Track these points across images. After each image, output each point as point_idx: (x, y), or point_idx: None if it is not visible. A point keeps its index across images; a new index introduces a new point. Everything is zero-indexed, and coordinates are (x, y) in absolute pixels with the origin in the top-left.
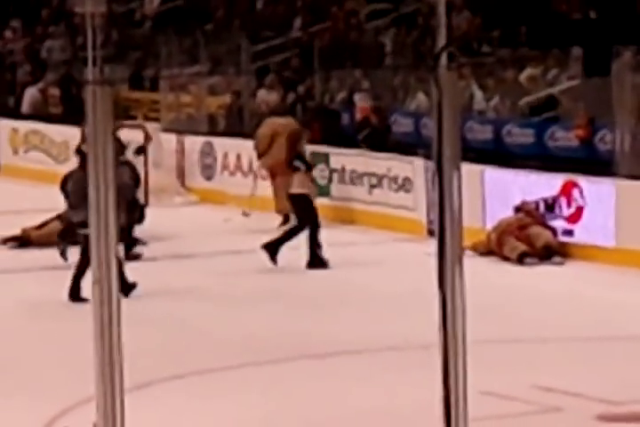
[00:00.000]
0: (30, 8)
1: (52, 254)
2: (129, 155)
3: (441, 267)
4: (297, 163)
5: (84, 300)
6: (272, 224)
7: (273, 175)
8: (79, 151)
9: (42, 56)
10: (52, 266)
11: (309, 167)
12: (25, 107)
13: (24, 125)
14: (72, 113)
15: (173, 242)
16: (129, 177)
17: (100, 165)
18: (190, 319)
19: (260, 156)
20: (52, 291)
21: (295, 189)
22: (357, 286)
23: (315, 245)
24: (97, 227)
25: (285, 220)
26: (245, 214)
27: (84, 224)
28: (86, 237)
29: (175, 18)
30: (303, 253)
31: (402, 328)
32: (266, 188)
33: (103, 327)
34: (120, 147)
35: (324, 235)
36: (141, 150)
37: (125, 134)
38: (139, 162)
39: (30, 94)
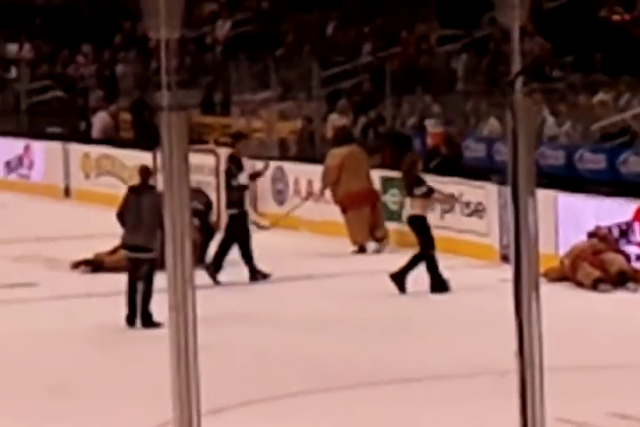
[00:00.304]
0: (101, 33)
1: (123, 279)
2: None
3: (517, 293)
4: (419, 189)
5: (156, 324)
6: (340, 249)
7: (344, 208)
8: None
9: (114, 81)
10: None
11: (430, 191)
12: (95, 131)
13: (96, 150)
14: (143, 138)
15: (241, 267)
16: (201, 202)
17: (175, 190)
18: (268, 344)
19: (327, 187)
20: (124, 316)
21: (415, 211)
22: (430, 312)
23: (435, 268)
24: (173, 253)
25: (360, 249)
26: (262, 227)
27: (138, 248)
28: (147, 261)
29: (246, 43)
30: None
31: (477, 354)
32: (334, 213)
33: (180, 353)
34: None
35: (396, 260)
36: (256, 176)
37: (197, 159)
38: (209, 186)
39: (100, 119)
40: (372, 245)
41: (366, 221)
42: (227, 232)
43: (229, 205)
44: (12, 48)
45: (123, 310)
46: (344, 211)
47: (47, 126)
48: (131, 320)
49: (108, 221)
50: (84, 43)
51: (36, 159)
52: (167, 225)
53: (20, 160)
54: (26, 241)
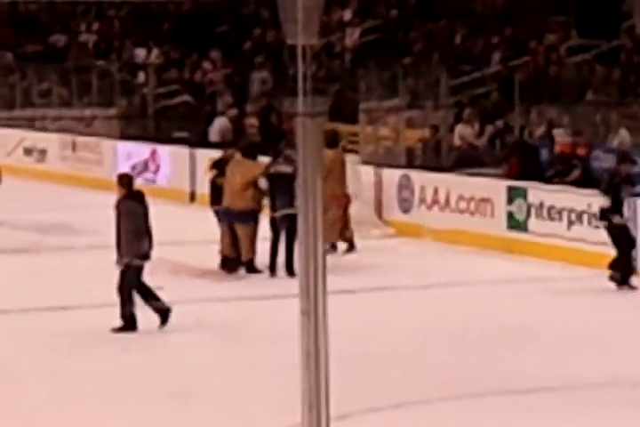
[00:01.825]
0: (231, 40)
1: (247, 285)
2: None
3: None
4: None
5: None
6: (463, 258)
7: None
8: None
9: (244, 87)
10: (246, 296)
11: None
12: (212, 135)
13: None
14: (270, 143)
15: (370, 274)
16: None
17: (310, 196)
18: (390, 351)
19: None
20: (248, 320)
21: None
22: (556, 321)
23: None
24: (305, 259)
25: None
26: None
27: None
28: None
29: (375, 50)
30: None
31: (605, 365)
32: (458, 221)
33: (310, 357)
34: None
35: (524, 269)
36: None
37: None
38: None
39: (219, 123)
40: (342, 246)
41: (338, 222)
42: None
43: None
44: (141, 53)
45: (247, 315)
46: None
47: (174, 131)
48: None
49: None
50: (212, 48)
51: (163, 164)
52: (301, 231)
53: (146, 164)
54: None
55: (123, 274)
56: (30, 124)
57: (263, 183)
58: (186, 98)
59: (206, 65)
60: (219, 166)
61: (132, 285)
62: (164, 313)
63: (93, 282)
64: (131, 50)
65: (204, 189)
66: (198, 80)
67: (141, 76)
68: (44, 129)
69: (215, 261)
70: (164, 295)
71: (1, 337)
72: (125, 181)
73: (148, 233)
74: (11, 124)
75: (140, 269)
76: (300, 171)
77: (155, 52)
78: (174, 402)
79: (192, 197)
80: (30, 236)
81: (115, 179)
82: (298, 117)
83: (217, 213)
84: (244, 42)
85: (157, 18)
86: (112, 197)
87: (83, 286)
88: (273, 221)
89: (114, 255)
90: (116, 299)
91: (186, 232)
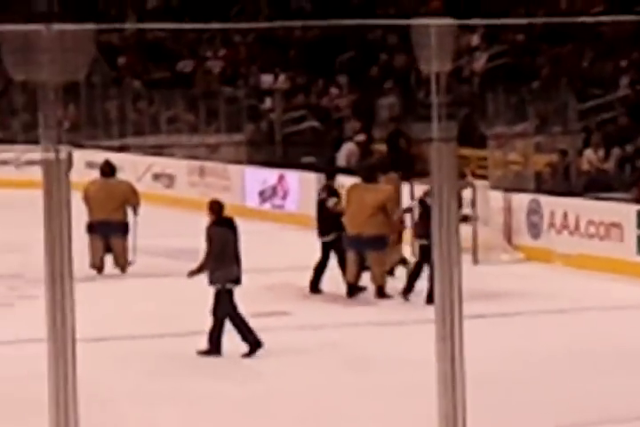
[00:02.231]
0: (358, 65)
1: (374, 312)
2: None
3: None
4: None
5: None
6: (593, 283)
7: None
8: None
9: (371, 112)
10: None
11: None
12: (340, 160)
13: (350, 180)
14: (399, 168)
15: (500, 299)
16: None
17: (445, 220)
18: (523, 376)
19: None
20: (380, 345)
21: None
22: None
23: None
24: (441, 285)
25: None
26: None
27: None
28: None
29: (502, 75)
30: None
31: None
32: (588, 246)
33: (446, 382)
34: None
35: None
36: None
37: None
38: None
39: (347, 148)
40: None
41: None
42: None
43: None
44: (267, 79)
45: (378, 340)
46: None
47: (301, 156)
48: None
49: None
50: (339, 74)
51: (291, 189)
52: (436, 256)
53: (274, 190)
54: (279, 270)
55: (217, 298)
56: (159, 150)
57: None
58: (313, 123)
59: (333, 90)
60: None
61: (225, 309)
62: (253, 346)
63: None
64: (257, 76)
65: None
66: (325, 105)
67: (268, 102)
68: (172, 155)
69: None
70: (293, 321)
71: (135, 360)
72: (216, 207)
73: (236, 258)
74: (140, 150)
75: (231, 294)
76: (436, 196)
77: (281, 77)
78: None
79: None
80: (159, 261)
81: (244, 204)
82: (433, 142)
83: (334, 243)
84: (371, 67)
85: (284, 44)
86: (240, 223)
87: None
88: None
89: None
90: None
91: (314, 257)
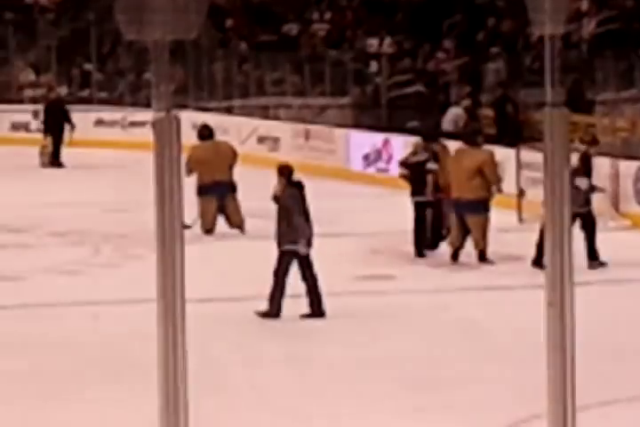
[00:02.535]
0: (465, 30)
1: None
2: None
3: None
4: None
5: None
6: None
7: None
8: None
9: (478, 78)
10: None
11: None
12: (446, 125)
13: (456, 145)
14: (506, 134)
15: (607, 267)
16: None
17: (557, 187)
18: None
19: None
20: (485, 310)
21: None
22: None
23: None
24: (553, 251)
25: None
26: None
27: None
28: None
29: (611, 41)
30: None
31: None
32: None
33: (556, 348)
34: None
35: None
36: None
37: None
38: None
39: (453, 113)
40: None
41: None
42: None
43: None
44: (373, 42)
45: (483, 305)
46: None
47: (407, 121)
48: None
49: None
50: (445, 38)
51: (395, 153)
52: (548, 223)
53: (378, 154)
54: (384, 234)
55: (280, 260)
56: (264, 112)
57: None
58: (419, 87)
59: (439, 55)
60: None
61: (284, 271)
62: (315, 312)
63: (329, 270)
64: (363, 39)
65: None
66: (431, 70)
67: (374, 66)
68: (277, 118)
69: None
70: (399, 285)
71: (242, 322)
72: (285, 171)
73: (308, 221)
74: (245, 112)
75: (298, 256)
76: (548, 162)
77: (387, 41)
78: (415, 390)
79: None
80: (265, 224)
81: (348, 167)
82: (545, 108)
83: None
84: (478, 32)
85: (390, 7)
86: (345, 186)
87: (320, 274)
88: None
89: (337, 244)
90: (353, 287)
91: None
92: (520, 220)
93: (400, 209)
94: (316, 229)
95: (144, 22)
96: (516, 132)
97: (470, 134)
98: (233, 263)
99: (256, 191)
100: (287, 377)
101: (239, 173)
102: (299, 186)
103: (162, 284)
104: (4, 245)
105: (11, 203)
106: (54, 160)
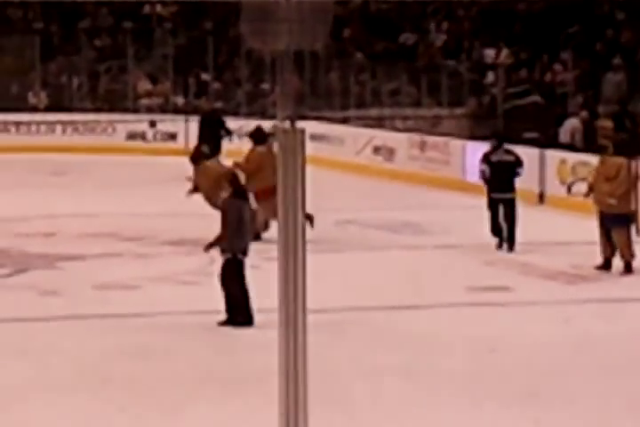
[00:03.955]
0: (583, 41)
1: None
2: None
3: None
4: None
5: None
6: None
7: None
8: None
9: (596, 89)
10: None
11: None
12: (563, 136)
13: (573, 157)
14: (624, 146)
15: None
16: None
17: None
18: None
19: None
20: (601, 321)
21: None
22: None
23: None
24: None
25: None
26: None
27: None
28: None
29: None
30: None
31: None
32: None
33: None
34: None
35: None
36: None
37: None
38: None
39: (570, 124)
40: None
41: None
42: None
43: None
44: (490, 53)
45: (598, 316)
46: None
47: (523, 131)
48: None
49: (583, 229)
50: (563, 49)
51: None
52: None
53: None
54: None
55: (225, 268)
56: (380, 122)
57: None
58: (536, 98)
59: (557, 66)
60: None
61: (234, 278)
62: (236, 320)
63: (441, 281)
64: (480, 50)
65: (553, 190)
66: (548, 81)
67: (490, 76)
68: (393, 128)
69: (564, 261)
70: (514, 296)
71: (359, 334)
72: (233, 180)
73: (244, 231)
74: (361, 122)
75: (241, 264)
76: None
77: (504, 52)
78: (525, 403)
79: (541, 198)
80: (380, 235)
81: (464, 178)
82: None
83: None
84: (597, 43)
85: (508, 18)
86: (460, 198)
87: (432, 285)
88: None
89: (462, 255)
90: (467, 298)
91: (536, 233)
92: (638, 231)
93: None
94: (429, 239)
95: (269, 33)
96: (634, 146)
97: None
98: (340, 274)
99: (371, 202)
100: (408, 389)
101: (354, 183)
102: (243, 195)
103: (283, 293)
104: (121, 253)
105: (128, 212)
106: None
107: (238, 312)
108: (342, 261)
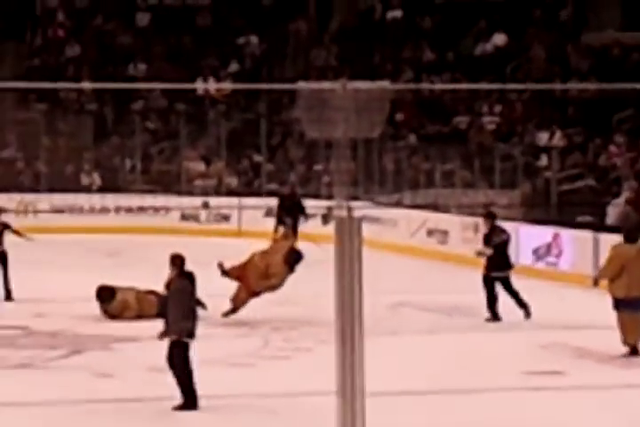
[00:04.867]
0: (636, 123)
1: None
2: None
3: None
4: None
5: None
6: None
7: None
8: None
9: None
10: None
11: None
12: (609, 219)
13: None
14: None
15: None
16: None
17: None
18: None
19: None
20: None
21: None
22: None
23: None
24: None
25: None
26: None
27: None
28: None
29: None
30: None
31: None
32: None
33: None
34: None
35: None
36: None
37: None
38: None
39: (616, 206)
40: None
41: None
42: None
43: None
44: (543, 136)
45: None
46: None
47: (577, 215)
48: None
49: None
50: (616, 132)
51: (565, 248)
52: None
53: (548, 248)
54: (554, 329)
55: (171, 351)
56: (433, 205)
57: None
58: (589, 182)
59: (612, 148)
60: None
61: (180, 361)
62: (186, 404)
63: (496, 366)
64: (533, 133)
65: None
66: (602, 164)
67: (544, 160)
68: (446, 210)
69: (619, 345)
70: (568, 381)
71: (416, 418)
72: (177, 261)
73: (193, 312)
74: (414, 205)
75: (187, 347)
76: None
77: (558, 135)
78: None
79: (595, 281)
80: (434, 317)
81: (518, 261)
82: None
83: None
84: None
85: (561, 101)
86: (514, 281)
87: (487, 370)
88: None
89: (507, 339)
90: (522, 383)
91: (590, 317)
92: None
93: (569, 304)
94: (481, 322)
95: (325, 121)
96: None
97: (632, 231)
98: (393, 358)
99: (425, 284)
100: None
101: (406, 265)
102: (190, 277)
103: (341, 378)
104: None
105: None
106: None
107: (185, 395)
108: (396, 344)
